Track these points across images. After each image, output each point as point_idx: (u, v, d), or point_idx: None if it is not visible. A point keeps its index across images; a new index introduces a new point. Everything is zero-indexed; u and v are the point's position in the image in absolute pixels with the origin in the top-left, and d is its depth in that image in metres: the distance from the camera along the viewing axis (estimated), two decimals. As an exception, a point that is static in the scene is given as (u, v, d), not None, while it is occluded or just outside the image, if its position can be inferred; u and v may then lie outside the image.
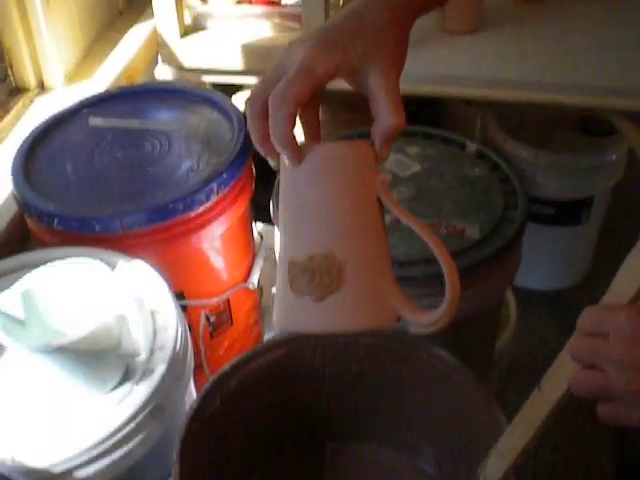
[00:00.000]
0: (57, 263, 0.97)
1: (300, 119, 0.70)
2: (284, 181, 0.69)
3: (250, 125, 0.67)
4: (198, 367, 1.33)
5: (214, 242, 1.28)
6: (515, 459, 0.80)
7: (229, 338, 1.41)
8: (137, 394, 0.94)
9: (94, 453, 0.90)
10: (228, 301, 1.36)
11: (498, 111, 1.96)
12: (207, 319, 1.33)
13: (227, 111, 1.35)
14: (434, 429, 1.01)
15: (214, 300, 1.32)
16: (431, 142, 1.31)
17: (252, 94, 0.67)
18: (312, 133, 0.73)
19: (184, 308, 1.26)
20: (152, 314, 1.04)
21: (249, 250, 1.43)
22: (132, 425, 0.92)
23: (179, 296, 1.24)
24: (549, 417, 0.76)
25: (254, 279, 1.40)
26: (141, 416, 0.93)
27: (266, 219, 1.47)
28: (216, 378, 0.95)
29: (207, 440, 0.92)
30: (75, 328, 0.90)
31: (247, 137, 1.29)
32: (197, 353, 1.32)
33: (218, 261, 1.31)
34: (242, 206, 1.30)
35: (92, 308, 0.93)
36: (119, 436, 0.91)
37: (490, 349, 1.38)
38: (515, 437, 0.80)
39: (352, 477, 1.05)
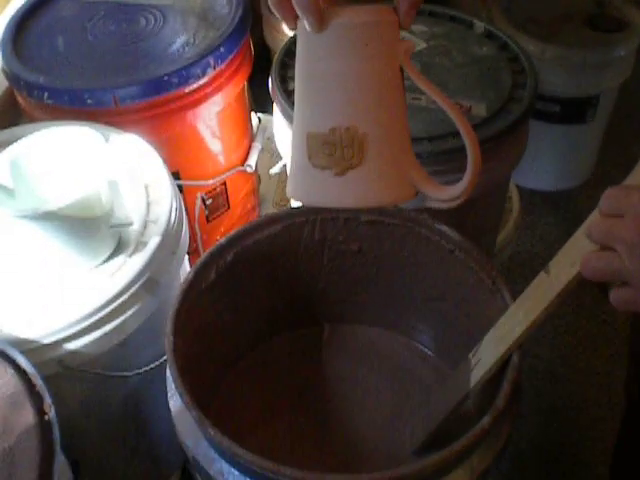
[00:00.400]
0: (46, 131, 0.93)
1: None
2: (303, 48, 0.64)
3: None
4: (194, 252, 1.31)
5: (210, 121, 1.24)
6: (514, 343, 0.77)
7: (225, 223, 1.38)
8: (130, 266, 0.92)
9: (85, 324, 0.88)
10: (225, 184, 1.33)
11: (505, 4, 1.90)
12: (203, 201, 1.30)
13: (224, -15, 1.30)
14: (434, 309, 0.99)
15: (210, 182, 1.28)
16: (437, 20, 1.25)
17: None
18: None
19: (180, 189, 1.23)
20: (146, 187, 1.01)
21: (247, 133, 1.39)
22: (125, 297, 0.91)
23: (174, 176, 1.20)
24: (555, 302, 0.72)
25: (251, 162, 1.36)
26: (134, 288, 0.91)
27: (265, 109, 1.43)
28: (212, 251, 0.91)
29: (202, 314, 0.90)
30: (67, 192, 0.86)
31: (245, 12, 1.24)
32: (193, 237, 1.30)
33: (215, 142, 1.28)
34: (240, 84, 1.26)
35: (83, 176, 0.89)
36: (111, 308, 0.90)
37: (492, 238, 1.35)
38: (516, 320, 0.77)
39: (349, 358, 1.03)
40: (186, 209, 1.26)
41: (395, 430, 0.94)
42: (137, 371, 0.95)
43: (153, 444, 1.11)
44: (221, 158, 1.30)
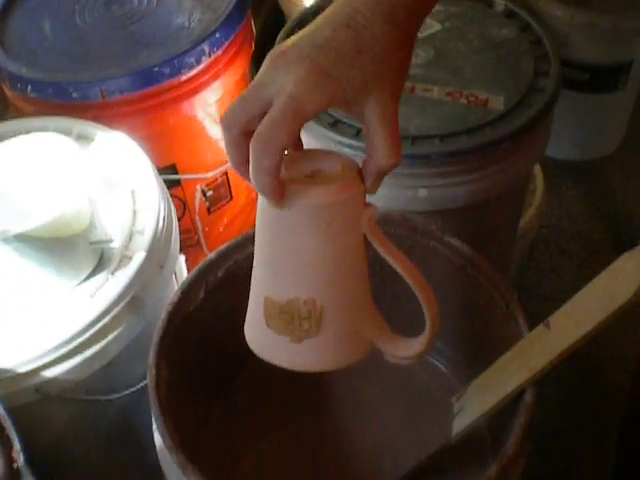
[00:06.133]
0: (19, 139, 0.86)
1: None
2: (262, 217, 0.61)
3: (228, 151, 0.58)
4: (195, 245, 1.25)
5: (208, 110, 1.16)
6: (504, 398, 0.71)
7: (229, 214, 1.31)
8: (113, 284, 0.86)
9: (64, 351, 0.83)
10: (226, 174, 1.25)
11: (532, -35, 1.80)
12: (203, 194, 1.23)
13: (223, -39, 1.20)
14: (446, 325, 0.91)
15: (210, 174, 1.21)
16: (454, -1, 1.16)
17: (230, 117, 0.56)
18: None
19: (177, 183, 1.16)
20: (132, 193, 0.93)
21: (250, 118, 1.31)
22: (107, 319, 0.85)
23: (171, 170, 1.14)
24: (554, 362, 0.67)
25: (255, 150, 1.28)
26: (117, 309, 0.85)
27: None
28: (201, 268, 0.84)
29: (190, 337, 0.83)
30: (40, 211, 0.79)
31: (246, -9, 1.15)
32: (194, 230, 1.23)
33: (214, 131, 1.20)
34: (239, 69, 1.18)
35: (59, 191, 0.82)
36: (92, 332, 0.84)
37: (513, 230, 1.27)
38: (508, 373, 0.72)
39: (352, 372, 0.96)
40: (185, 202, 1.19)
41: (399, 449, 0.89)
42: (119, 395, 0.89)
43: (147, 459, 1.05)
44: (221, 147, 1.22)
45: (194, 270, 0.84)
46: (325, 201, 0.58)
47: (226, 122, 0.56)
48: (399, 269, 0.63)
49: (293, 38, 0.55)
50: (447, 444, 0.77)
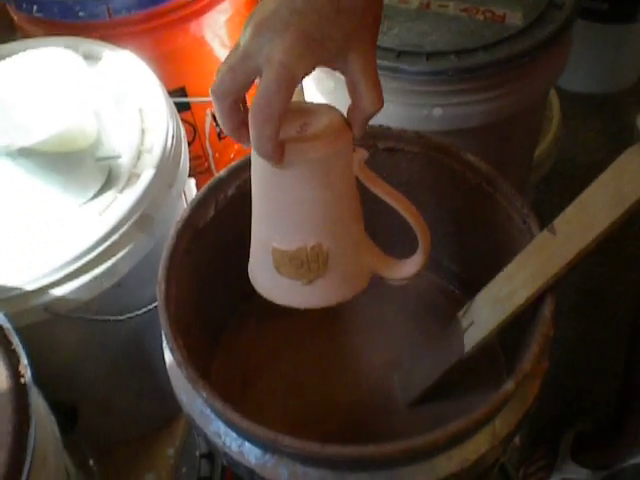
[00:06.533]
0: (25, 54, 0.84)
1: None
2: (261, 173, 0.65)
3: (221, 120, 0.60)
4: (206, 172, 1.23)
5: (218, 30, 1.13)
6: (516, 310, 0.69)
7: (239, 140, 1.28)
8: (121, 202, 0.85)
9: (72, 268, 0.81)
10: (237, 98, 1.22)
11: None
12: (214, 119, 1.20)
13: None
14: (460, 245, 0.90)
15: (220, 97, 1.18)
16: None
17: (220, 88, 0.57)
18: None
19: (187, 106, 1.14)
20: (140, 112, 0.91)
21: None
22: (115, 237, 0.83)
23: (180, 92, 1.12)
24: (563, 270, 0.64)
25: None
26: (126, 227, 0.84)
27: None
28: (210, 185, 0.82)
29: (199, 255, 0.81)
30: (44, 125, 0.77)
31: None
32: (205, 156, 1.21)
33: (223, 53, 1.17)
34: (250, -12, 1.15)
35: (64, 105, 0.80)
36: (101, 249, 0.82)
37: (529, 154, 1.25)
38: (516, 283, 0.70)
39: (369, 296, 0.95)
40: (195, 127, 1.17)
41: (409, 368, 0.87)
42: (130, 315, 0.87)
43: (159, 383, 1.04)
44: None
45: (204, 187, 0.82)
46: (322, 154, 0.61)
47: (217, 94, 0.57)
48: (390, 201, 0.67)
49: (269, 3, 0.55)
50: (460, 361, 0.75)
